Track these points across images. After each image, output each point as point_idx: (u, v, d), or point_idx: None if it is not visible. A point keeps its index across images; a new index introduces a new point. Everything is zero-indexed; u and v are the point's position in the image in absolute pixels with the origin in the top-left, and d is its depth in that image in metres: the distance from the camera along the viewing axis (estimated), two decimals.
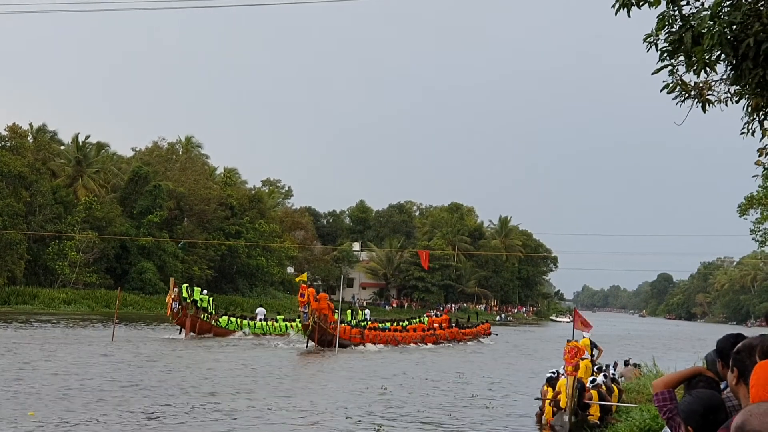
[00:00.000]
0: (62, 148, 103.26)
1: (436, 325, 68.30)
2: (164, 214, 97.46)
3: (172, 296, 57.66)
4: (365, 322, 66.92)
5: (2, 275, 79.16)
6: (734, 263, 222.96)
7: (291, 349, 51.19)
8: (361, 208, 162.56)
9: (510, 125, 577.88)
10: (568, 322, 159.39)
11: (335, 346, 51.73)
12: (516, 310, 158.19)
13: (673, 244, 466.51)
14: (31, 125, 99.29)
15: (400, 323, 67.44)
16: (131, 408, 23.19)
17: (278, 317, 68.68)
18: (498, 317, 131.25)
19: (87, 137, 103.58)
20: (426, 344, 62.61)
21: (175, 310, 57.77)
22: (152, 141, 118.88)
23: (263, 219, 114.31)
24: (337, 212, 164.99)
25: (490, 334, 75.68)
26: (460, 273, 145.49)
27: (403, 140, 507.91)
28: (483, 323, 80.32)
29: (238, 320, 63.12)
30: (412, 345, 61.19)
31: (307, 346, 51.79)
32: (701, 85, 10.48)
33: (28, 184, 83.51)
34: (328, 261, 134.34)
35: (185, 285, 60.75)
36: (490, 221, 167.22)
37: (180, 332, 57.59)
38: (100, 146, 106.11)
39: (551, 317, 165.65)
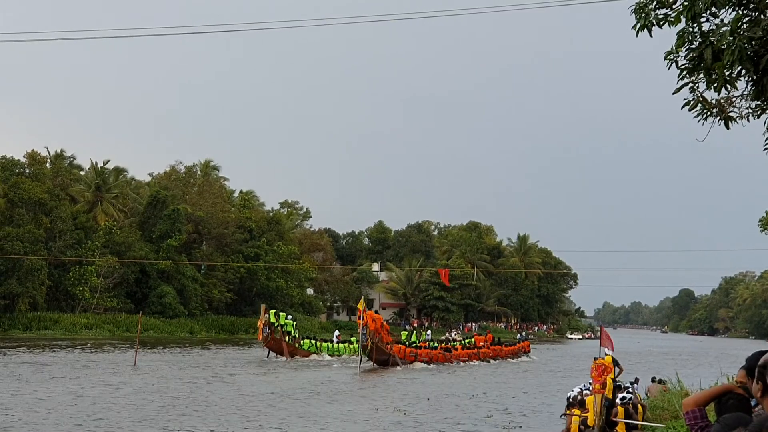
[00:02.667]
0: (81, 173, 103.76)
1: (481, 343, 71.77)
2: (183, 238, 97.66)
3: (263, 321, 62.14)
4: (431, 342, 71.02)
5: (24, 301, 79.44)
6: (756, 277, 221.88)
7: (350, 369, 54.47)
8: (379, 228, 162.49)
9: (528, 144, 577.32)
10: (580, 338, 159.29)
11: (390, 365, 55.98)
12: (536, 328, 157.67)
13: (694, 259, 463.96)
14: (48, 151, 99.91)
15: (450, 343, 72.11)
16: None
17: (352, 339, 71.69)
18: (518, 335, 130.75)
19: (106, 162, 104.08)
20: (472, 362, 66.06)
21: (265, 335, 62.20)
22: (169, 165, 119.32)
23: (282, 241, 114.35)
24: (356, 233, 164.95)
25: (530, 351, 78.80)
26: (479, 292, 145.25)
27: (420, 160, 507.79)
28: (524, 341, 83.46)
29: (318, 343, 66.73)
30: (460, 363, 64.50)
31: (360, 365, 55.29)
32: (722, 101, 10.45)
33: (48, 210, 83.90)
34: (347, 282, 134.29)
35: (273, 311, 64.59)
36: (509, 239, 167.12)
37: (268, 356, 62.01)
38: (119, 171, 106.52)
39: (567, 334, 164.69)
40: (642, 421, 25.14)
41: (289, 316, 67.04)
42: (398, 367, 55.93)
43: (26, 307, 79.92)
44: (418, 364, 59.30)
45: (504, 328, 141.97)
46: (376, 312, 72.13)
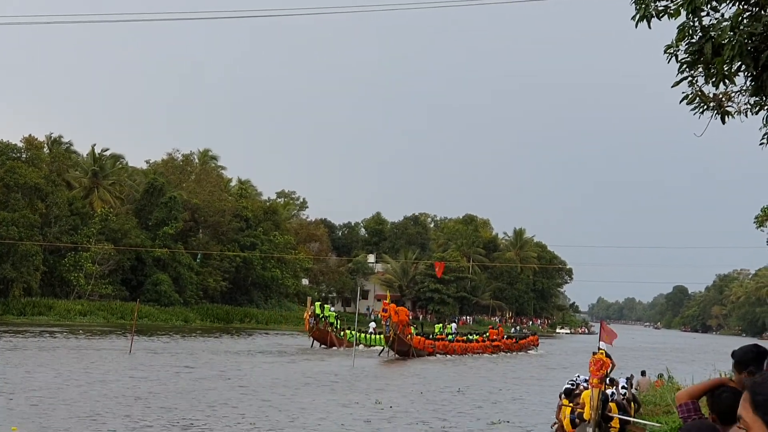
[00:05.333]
0: (78, 159, 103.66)
1: (494, 337, 75.73)
2: (179, 226, 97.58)
3: (309, 313, 66.39)
4: (452, 335, 73.44)
5: (18, 286, 79.36)
6: (750, 275, 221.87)
7: (374, 358, 58.33)
8: (376, 219, 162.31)
9: (524, 138, 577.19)
10: (568, 333, 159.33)
11: (411, 356, 59.12)
12: (531, 323, 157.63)
13: (688, 256, 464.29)
14: (47, 137, 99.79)
15: (466, 335, 75.93)
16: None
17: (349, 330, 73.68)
18: (512, 329, 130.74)
19: (104, 150, 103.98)
20: (486, 354, 69.86)
21: (311, 325, 66.39)
22: (167, 153, 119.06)
23: (278, 231, 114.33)
24: (352, 224, 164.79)
25: (538, 345, 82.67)
26: (475, 285, 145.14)
27: (417, 152, 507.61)
28: (532, 335, 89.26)
29: (357, 334, 66.86)
30: (475, 355, 67.86)
31: (380, 354, 60.33)
32: (720, 96, 10.45)
33: (43, 196, 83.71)
34: (343, 273, 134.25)
35: (318, 303, 68.49)
36: (505, 233, 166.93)
37: (312, 345, 66.14)
38: (116, 158, 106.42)
39: (556, 329, 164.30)
40: (634, 416, 25.17)
41: (332, 308, 71.12)
42: (417, 358, 59.03)
43: (20, 292, 79.84)
44: (439, 356, 62.79)
45: (499, 322, 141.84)
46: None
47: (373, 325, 78.89)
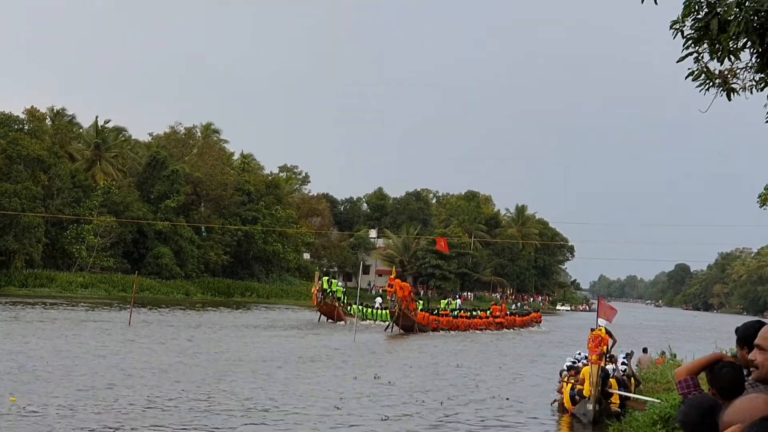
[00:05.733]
0: (80, 131, 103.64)
1: (497, 313, 75.60)
2: (181, 199, 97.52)
3: (317, 287, 66.41)
4: (457, 311, 74.93)
5: (20, 258, 79.44)
6: (753, 254, 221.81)
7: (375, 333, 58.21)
8: (378, 195, 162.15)
9: (527, 114, 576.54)
10: (568, 310, 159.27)
11: (414, 331, 59.26)
12: (532, 299, 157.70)
13: (691, 234, 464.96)
14: (50, 109, 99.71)
15: (469, 310, 76.33)
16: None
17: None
18: (513, 306, 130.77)
19: (106, 122, 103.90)
20: (489, 330, 69.89)
21: (319, 300, 66.68)
22: (169, 126, 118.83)
23: (280, 205, 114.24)
24: (354, 199, 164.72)
25: (541, 321, 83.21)
26: (476, 261, 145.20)
27: (420, 128, 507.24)
28: (535, 312, 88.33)
29: (363, 309, 69.76)
30: (477, 331, 67.68)
31: (390, 330, 59.99)
32: (726, 72, 10.37)
33: (46, 168, 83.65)
34: (344, 248, 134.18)
35: (326, 278, 69.06)
36: (507, 209, 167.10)
37: (319, 320, 66.30)
38: (118, 131, 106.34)
39: (556, 306, 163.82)
40: (634, 392, 25.20)
41: (340, 283, 71.52)
42: (421, 333, 59.11)
43: (22, 264, 79.93)
44: (442, 331, 62.81)
45: (500, 298, 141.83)
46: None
47: (379, 300, 79.33)
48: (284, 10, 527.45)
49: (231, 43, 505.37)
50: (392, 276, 61.47)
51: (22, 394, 21.51)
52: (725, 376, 5.21)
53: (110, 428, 18.22)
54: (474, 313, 74.71)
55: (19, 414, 19.06)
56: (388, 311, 65.99)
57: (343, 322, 65.09)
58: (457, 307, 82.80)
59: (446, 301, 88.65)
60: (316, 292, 66.97)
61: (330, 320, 66.25)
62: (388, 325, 61.18)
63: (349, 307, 69.04)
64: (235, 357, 34.52)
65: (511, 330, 73.34)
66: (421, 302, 73.69)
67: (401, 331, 59.49)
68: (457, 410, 24.41)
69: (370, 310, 71.83)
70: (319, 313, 67.72)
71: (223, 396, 23.66)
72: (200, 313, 66.18)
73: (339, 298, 68.39)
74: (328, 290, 67.26)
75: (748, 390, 4.79)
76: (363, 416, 22.04)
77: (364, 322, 66.39)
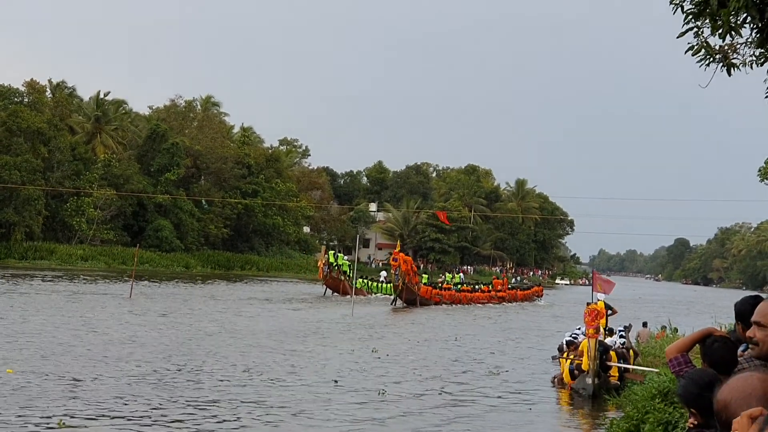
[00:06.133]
0: (81, 104, 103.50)
1: (499, 287, 77.06)
2: (181, 172, 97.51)
3: (323, 261, 67.56)
4: (460, 285, 75.87)
5: (20, 230, 79.46)
6: (752, 229, 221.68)
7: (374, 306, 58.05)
8: (378, 168, 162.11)
9: (528, 88, 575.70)
10: (567, 284, 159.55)
11: (417, 305, 59.95)
12: (531, 273, 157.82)
13: (690, 208, 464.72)
14: (50, 81, 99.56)
15: (470, 285, 77.47)
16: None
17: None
18: (513, 280, 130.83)
19: (106, 94, 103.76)
20: (491, 304, 70.71)
21: (325, 273, 67.48)
22: (169, 99, 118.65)
23: (280, 178, 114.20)
24: (354, 172, 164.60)
25: (542, 295, 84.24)
26: (476, 235, 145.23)
27: (420, 101, 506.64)
28: (537, 286, 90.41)
29: (368, 282, 72.28)
30: (479, 305, 68.33)
31: (394, 304, 60.12)
32: (726, 48, 10.33)
33: (46, 140, 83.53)
34: (344, 221, 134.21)
35: (332, 252, 70.58)
36: (507, 183, 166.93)
37: (325, 293, 67.15)
38: (118, 103, 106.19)
39: (556, 280, 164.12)
40: (633, 365, 25.27)
41: (346, 257, 72.76)
42: (424, 307, 59.98)
43: (22, 236, 79.96)
44: (444, 305, 63.68)
45: (499, 272, 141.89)
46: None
47: (384, 273, 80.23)
48: None
49: (233, 12, 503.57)
50: (396, 250, 61.69)
51: (20, 366, 21.49)
52: (717, 351, 5.24)
53: (106, 399, 18.23)
54: (476, 287, 75.34)
55: (15, 385, 19.04)
56: (391, 285, 66.22)
57: (349, 296, 65.44)
58: (461, 281, 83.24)
59: (450, 275, 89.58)
60: (322, 265, 67.77)
61: (336, 293, 66.66)
62: (394, 298, 61.33)
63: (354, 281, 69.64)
64: (233, 330, 34.54)
65: (513, 304, 73.70)
66: (425, 276, 74.13)
67: (404, 304, 59.92)
68: (455, 384, 24.43)
69: (374, 283, 72.61)
70: (325, 287, 68.30)
71: (219, 370, 23.66)
72: (200, 286, 66.25)
73: (345, 272, 68.74)
74: (334, 264, 68.03)
75: (742, 365, 4.81)
76: (359, 390, 22.03)
77: (371, 296, 68.10)
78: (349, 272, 69.13)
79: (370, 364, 27.11)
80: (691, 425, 4.59)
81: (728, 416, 2.85)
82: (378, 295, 69.08)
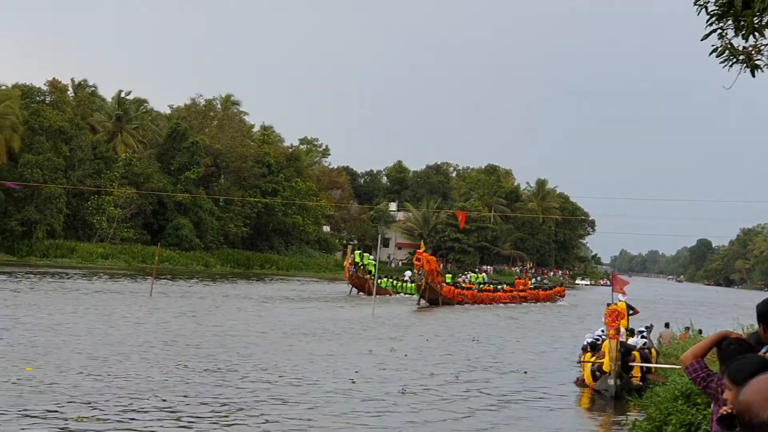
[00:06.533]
0: (102, 103, 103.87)
1: (521, 287, 78.02)
2: (201, 171, 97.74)
3: (349, 261, 68.82)
4: (482, 285, 76.33)
5: (42, 229, 79.80)
6: None
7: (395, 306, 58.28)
8: (398, 168, 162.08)
9: (550, 88, 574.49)
10: (587, 284, 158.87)
11: (439, 304, 60.36)
12: (552, 273, 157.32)
13: (713, 209, 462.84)
14: (72, 80, 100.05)
15: (492, 284, 78.22)
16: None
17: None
18: (533, 280, 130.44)
19: (128, 93, 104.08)
20: (513, 304, 71.06)
21: (351, 273, 68.45)
22: (190, 98, 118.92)
23: (300, 177, 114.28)
24: (374, 172, 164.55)
25: (564, 296, 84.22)
26: (496, 235, 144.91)
27: (440, 101, 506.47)
28: (559, 286, 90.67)
29: (393, 282, 73.25)
30: (501, 305, 68.82)
31: (419, 303, 60.32)
32: (750, 49, 10.24)
33: (68, 139, 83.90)
34: (364, 220, 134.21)
35: (358, 252, 71.63)
36: (528, 183, 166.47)
37: (351, 292, 67.88)
38: (139, 102, 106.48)
39: (576, 281, 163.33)
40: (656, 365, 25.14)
41: (371, 257, 73.25)
42: (447, 306, 60.53)
43: (43, 234, 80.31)
44: (467, 305, 64.15)
45: (519, 272, 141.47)
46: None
47: (408, 273, 80.00)
48: None
49: (253, 12, 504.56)
50: (420, 250, 62.15)
51: (39, 365, 21.54)
52: (732, 353, 5.23)
53: (124, 396, 18.26)
54: (498, 287, 75.69)
55: (34, 382, 19.12)
56: (414, 284, 66.56)
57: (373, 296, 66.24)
58: (484, 281, 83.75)
59: (475, 275, 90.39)
60: (348, 265, 68.80)
61: (362, 293, 67.14)
62: (419, 298, 61.56)
63: (379, 281, 69.98)
64: (253, 329, 34.56)
65: (535, 304, 74.00)
66: (449, 276, 75.63)
67: (427, 304, 60.39)
68: (474, 384, 24.35)
69: (399, 283, 73.07)
70: (351, 286, 69.03)
71: (236, 368, 23.65)
72: (220, 285, 66.37)
73: (370, 272, 69.06)
74: (360, 264, 69.12)
75: None
76: (378, 389, 22.00)
77: (395, 296, 68.77)
78: (375, 272, 69.42)
79: (389, 364, 27.05)
80: (725, 413, 4.54)
81: (751, 417, 2.85)
82: (403, 294, 69.42)
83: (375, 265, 68.49)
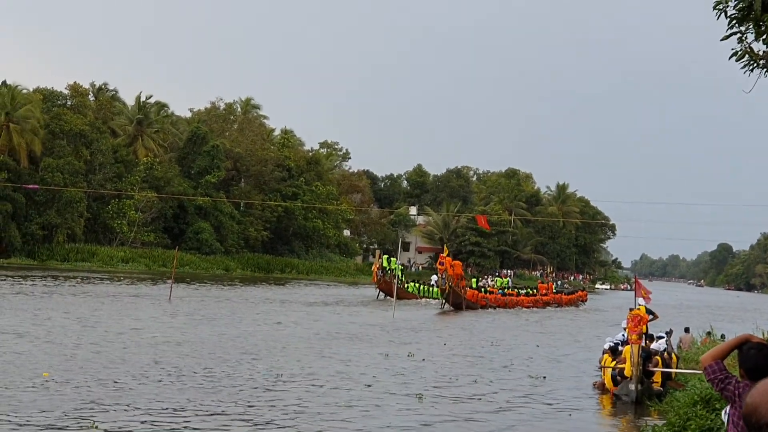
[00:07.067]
0: (122, 107, 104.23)
1: (544, 291, 79.06)
2: (222, 175, 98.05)
3: (377, 265, 69.42)
4: (506, 289, 78.07)
5: (62, 232, 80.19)
6: None
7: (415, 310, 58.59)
8: (418, 172, 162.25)
9: (570, 92, 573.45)
10: (607, 289, 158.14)
11: (464, 308, 61.03)
12: (572, 278, 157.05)
13: (733, 213, 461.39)
14: (92, 84, 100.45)
15: (516, 289, 79.15)
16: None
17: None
18: (556, 284, 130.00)
19: (148, 97, 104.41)
20: (536, 308, 71.67)
21: (379, 277, 69.10)
22: (210, 102, 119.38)
23: (320, 181, 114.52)
24: (395, 176, 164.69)
25: (586, 300, 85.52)
26: (516, 239, 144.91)
27: (461, 105, 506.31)
28: (581, 290, 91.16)
29: (420, 286, 74.32)
30: (524, 309, 69.47)
31: (443, 307, 61.23)
32: None
33: (88, 143, 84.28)
34: (384, 224, 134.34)
35: (386, 256, 71.26)
36: (548, 187, 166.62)
37: (378, 296, 68.79)
38: (160, 106, 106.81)
39: (596, 285, 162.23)
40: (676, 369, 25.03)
41: (399, 261, 73.11)
42: (471, 310, 61.01)
43: (64, 238, 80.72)
44: (490, 309, 64.91)
45: (540, 276, 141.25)
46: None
47: (434, 277, 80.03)
48: None
49: (273, 15, 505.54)
50: (443, 254, 62.72)
51: (55, 369, 21.57)
52: (753, 358, 5.21)
53: (140, 402, 18.24)
54: (522, 291, 76.50)
55: (50, 388, 19.12)
56: (438, 288, 67.27)
57: (403, 299, 66.80)
58: (509, 285, 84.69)
59: (500, 279, 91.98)
60: (376, 269, 69.50)
61: (389, 297, 66.79)
62: (443, 302, 62.29)
63: (406, 285, 71.79)
64: (273, 333, 34.51)
65: (558, 308, 74.93)
66: (474, 280, 76.27)
67: (451, 308, 61.02)
68: (493, 389, 24.23)
69: (426, 287, 73.70)
70: (378, 290, 69.93)
71: (255, 373, 23.57)
72: (241, 289, 66.40)
73: (397, 276, 69.58)
74: (388, 268, 69.26)
75: None
76: (394, 394, 21.94)
77: (423, 300, 69.59)
78: (399, 275, 70.44)
79: (406, 368, 26.96)
80: None
81: (757, 419, 2.88)
82: (430, 300, 69.80)
83: (399, 269, 69.54)
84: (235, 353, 27.46)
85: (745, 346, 5.37)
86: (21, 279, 54.92)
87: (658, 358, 24.14)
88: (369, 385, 22.97)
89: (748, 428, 2.94)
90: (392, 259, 71.31)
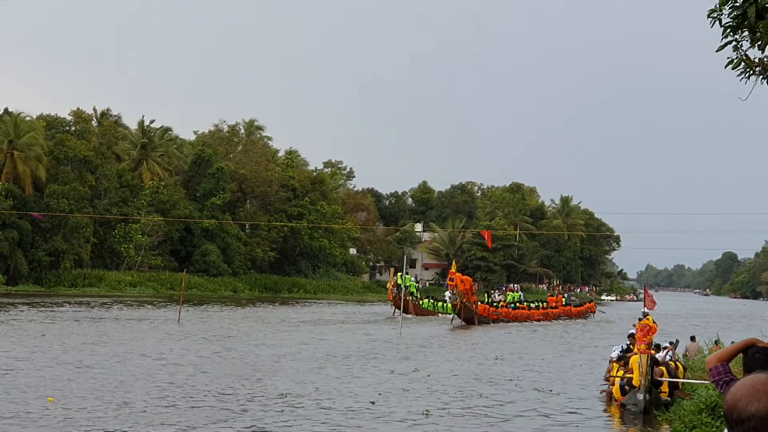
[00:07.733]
0: (126, 132, 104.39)
1: (553, 304, 79.93)
2: (227, 197, 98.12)
3: (392, 282, 69.90)
4: (518, 303, 77.91)
5: (69, 258, 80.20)
6: None
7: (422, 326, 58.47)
8: (423, 188, 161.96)
9: (573, 107, 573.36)
10: (613, 300, 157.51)
11: (476, 323, 61.64)
12: (578, 290, 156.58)
13: (738, 222, 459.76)
14: (95, 109, 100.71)
15: (527, 302, 79.36)
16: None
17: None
18: (565, 296, 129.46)
19: (152, 121, 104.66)
20: (547, 321, 72.66)
21: (394, 294, 69.16)
22: (213, 124, 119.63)
23: (325, 200, 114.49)
24: (399, 193, 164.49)
25: (595, 312, 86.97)
26: (522, 253, 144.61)
27: (464, 121, 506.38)
28: (589, 302, 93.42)
29: (434, 302, 75.24)
30: (535, 322, 70.40)
31: (452, 322, 61.78)
32: (766, 60, 10.33)
33: (93, 168, 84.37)
34: (390, 242, 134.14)
35: (400, 273, 70.47)
36: (552, 201, 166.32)
37: (394, 313, 67.66)
38: (164, 130, 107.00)
39: (602, 296, 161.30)
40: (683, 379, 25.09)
41: (413, 278, 74.88)
42: (483, 325, 61.70)
43: (71, 264, 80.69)
44: (502, 323, 65.51)
45: (546, 289, 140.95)
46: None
47: (448, 294, 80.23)
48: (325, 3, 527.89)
49: (274, 38, 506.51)
50: (452, 270, 63.19)
51: (62, 395, 21.57)
52: (758, 362, 5.26)
53: (149, 425, 18.32)
54: (533, 304, 76.96)
55: (56, 414, 19.14)
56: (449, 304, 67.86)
57: (419, 316, 68.84)
58: (521, 299, 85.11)
59: (511, 294, 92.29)
60: (391, 287, 69.98)
61: (405, 313, 67.39)
62: (453, 318, 62.88)
63: (421, 302, 72.84)
64: (281, 353, 34.49)
65: (568, 320, 75.74)
66: (486, 295, 77.77)
67: (463, 322, 61.63)
68: (498, 402, 24.28)
69: (440, 303, 74.31)
70: (394, 307, 69.76)
71: (262, 393, 23.58)
72: (249, 310, 66.43)
73: (412, 293, 71.03)
74: (403, 285, 69.32)
75: None
76: (398, 410, 21.90)
77: (436, 316, 70.14)
78: (416, 293, 72.76)
79: (411, 384, 26.96)
80: None
81: (738, 413, 2.87)
82: (443, 315, 70.05)
83: (407, 285, 70.32)
84: (244, 372, 27.54)
85: (750, 350, 5.41)
86: (28, 305, 54.98)
87: (663, 368, 24.19)
88: (372, 402, 22.97)
89: (728, 424, 2.94)
90: (406, 276, 71.53)
